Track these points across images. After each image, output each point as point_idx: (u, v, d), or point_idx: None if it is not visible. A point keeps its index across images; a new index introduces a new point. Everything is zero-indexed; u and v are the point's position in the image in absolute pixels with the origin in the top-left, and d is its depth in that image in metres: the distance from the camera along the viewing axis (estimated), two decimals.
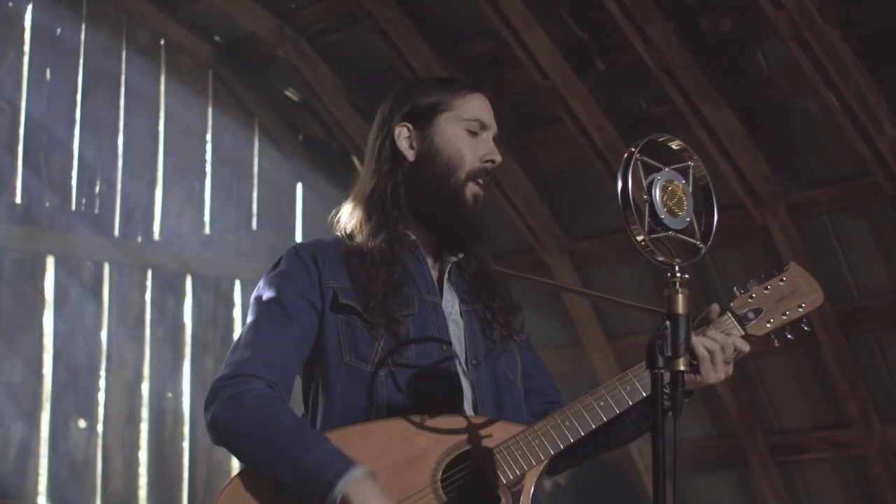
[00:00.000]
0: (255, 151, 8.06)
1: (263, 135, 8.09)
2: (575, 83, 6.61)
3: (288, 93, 8.16)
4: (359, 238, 3.12)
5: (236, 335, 7.64)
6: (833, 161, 6.20)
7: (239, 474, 2.91)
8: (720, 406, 7.11)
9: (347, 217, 3.19)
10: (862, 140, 5.82)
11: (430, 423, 2.90)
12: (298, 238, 7.97)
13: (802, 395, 6.89)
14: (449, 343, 3.05)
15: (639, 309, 2.97)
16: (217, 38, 7.93)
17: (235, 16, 7.61)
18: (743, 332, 3.03)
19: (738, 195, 6.36)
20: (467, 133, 3.12)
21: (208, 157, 7.85)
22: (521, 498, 2.89)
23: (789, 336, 3.09)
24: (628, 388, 2.98)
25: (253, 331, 3.02)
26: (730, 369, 2.95)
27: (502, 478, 2.87)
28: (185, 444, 7.44)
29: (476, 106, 3.16)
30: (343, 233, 3.18)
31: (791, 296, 3.08)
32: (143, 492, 7.18)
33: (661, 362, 2.34)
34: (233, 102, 7.99)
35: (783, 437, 7.00)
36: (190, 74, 7.82)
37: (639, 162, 2.32)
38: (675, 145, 2.45)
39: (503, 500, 2.87)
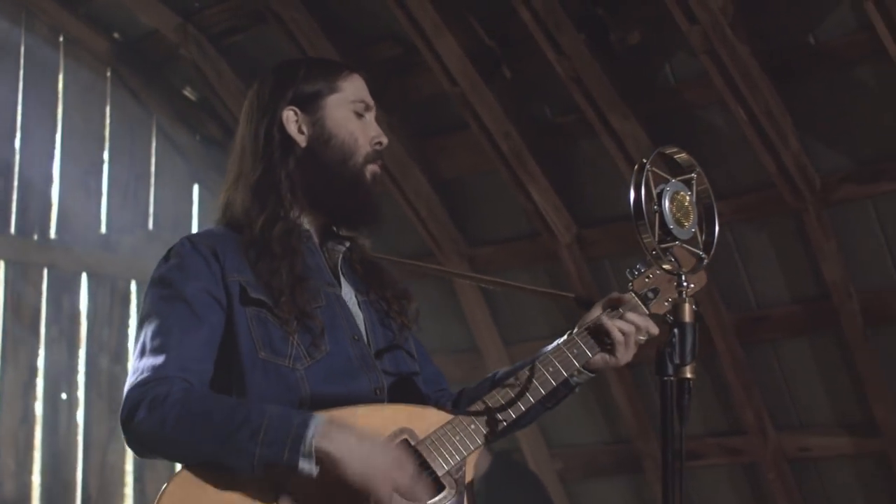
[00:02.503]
0: (153, 151, 7.95)
1: (161, 134, 7.98)
2: (483, 90, 6.64)
3: (186, 92, 8.08)
4: (251, 229, 3.00)
5: (132, 335, 7.52)
6: (735, 173, 6.31)
7: (179, 473, 2.76)
8: (615, 411, 7.20)
9: (230, 206, 3.08)
10: (767, 153, 5.94)
11: (361, 414, 2.83)
12: None
13: (698, 401, 6.96)
14: (360, 333, 3.02)
15: (542, 294, 3.02)
16: (116, 34, 7.79)
17: (137, 13, 7.49)
18: (647, 312, 3.09)
19: None
20: (355, 115, 3.08)
21: (105, 155, 7.72)
22: (466, 483, 2.85)
23: None
24: (551, 369, 2.96)
25: (162, 334, 2.88)
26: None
27: (444, 465, 2.82)
28: (79, 446, 7.30)
29: (359, 87, 3.13)
30: (228, 223, 3.08)
31: None
32: (36, 493, 7.05)
33: (670, 369, 2.36)
34: (131, 100, 7.86)
35: None
36: (88, 71, 7.68)
37: (649, 173, 2.35)
38: (680, 158, 2.49)
39: (448, 487, 2.81)
